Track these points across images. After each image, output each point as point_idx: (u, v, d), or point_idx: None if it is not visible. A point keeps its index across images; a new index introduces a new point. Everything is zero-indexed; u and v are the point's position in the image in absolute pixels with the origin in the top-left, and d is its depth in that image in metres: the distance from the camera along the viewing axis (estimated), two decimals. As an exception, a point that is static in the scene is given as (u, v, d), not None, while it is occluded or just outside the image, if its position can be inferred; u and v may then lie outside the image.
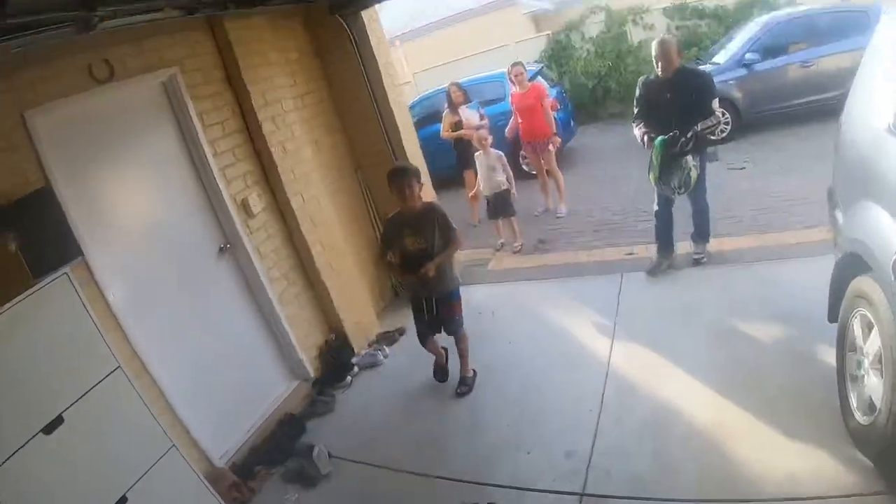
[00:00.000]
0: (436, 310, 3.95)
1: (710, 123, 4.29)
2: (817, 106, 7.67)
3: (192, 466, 3.28)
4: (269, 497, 3.76)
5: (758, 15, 10.08)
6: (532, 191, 7.45)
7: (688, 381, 3.55)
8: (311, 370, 4.68)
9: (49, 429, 2.68)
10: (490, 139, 6.04)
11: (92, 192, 3.47)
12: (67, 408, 2.76)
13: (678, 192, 4.49)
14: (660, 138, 4.32)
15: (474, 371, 4.18)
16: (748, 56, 8.34)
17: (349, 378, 4.65)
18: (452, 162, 7.35)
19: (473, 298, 5.14)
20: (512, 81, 7.11)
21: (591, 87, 11.80)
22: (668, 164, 4.37)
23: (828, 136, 3.50)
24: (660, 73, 4.38)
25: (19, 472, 2.56)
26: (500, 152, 6.01)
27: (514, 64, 7.09)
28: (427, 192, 5.31)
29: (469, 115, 7.01)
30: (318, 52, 5.28)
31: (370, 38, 5.11)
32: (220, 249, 4.18)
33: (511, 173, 6.06)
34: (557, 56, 12.51)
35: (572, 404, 3.66)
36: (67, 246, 3.08)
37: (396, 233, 3.77)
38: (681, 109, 4.25)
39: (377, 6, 5.21)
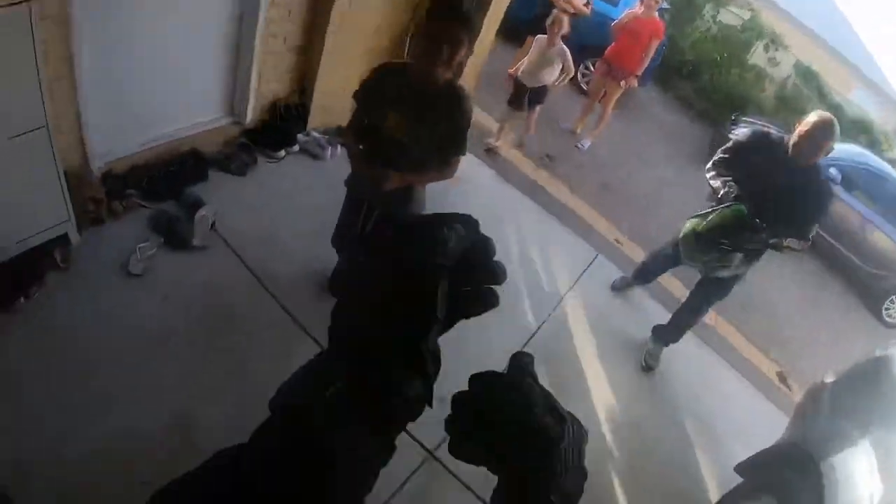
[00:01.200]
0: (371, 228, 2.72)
1: (796, 246, 3.17)
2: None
3: (54, 154, 2.52)
4: (123, 231, 3.09)
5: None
6: (572, 104, 6.57)
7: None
8: (250, 117, 3.84)
9: None
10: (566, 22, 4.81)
11: None
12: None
13: (700, 271, 3.49)
14: (743, 206, 3.06)
15: None
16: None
17: (283, 152, 3.89)
18: (530, 15, 6.03)
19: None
20: (641, 2, 5.93)
21: (686, 60, 10.45)
22: (719, 238, 3.16)
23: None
24: (791, 150, 3.07)
25: None
26: (566, 48, 4.90)
27: None
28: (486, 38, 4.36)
29: None
30: None
31: None
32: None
33: (571, 67, 5.04)
34: (681, 9, 10.85)
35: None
36: None
37: (383, 100, 2.31)
38: (784, 207, 3.03)
39: None
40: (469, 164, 4.46)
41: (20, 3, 2.04)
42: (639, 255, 4.44)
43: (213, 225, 3.20)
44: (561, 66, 4.95)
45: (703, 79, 10.25)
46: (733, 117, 8.13)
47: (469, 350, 2.91)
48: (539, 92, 5.10)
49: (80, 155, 3.03)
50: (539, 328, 3.53)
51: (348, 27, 3.76)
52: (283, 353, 2.75)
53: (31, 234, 2.65)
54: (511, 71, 5.21)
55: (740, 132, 3.77)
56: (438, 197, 3.71)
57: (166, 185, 3.28)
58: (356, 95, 2.43)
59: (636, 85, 6.16)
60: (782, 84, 10.70)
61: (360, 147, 2.46)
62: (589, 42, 6.76)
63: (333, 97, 3.97)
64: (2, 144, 2.27)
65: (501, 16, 4.59)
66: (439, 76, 2.15)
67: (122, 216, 3.13)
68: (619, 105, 6.52)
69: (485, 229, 0.59)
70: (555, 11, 4.86)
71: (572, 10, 5.63)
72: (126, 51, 2.97)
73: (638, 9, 5.85)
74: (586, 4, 6.02)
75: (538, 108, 5.29)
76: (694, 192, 5.34)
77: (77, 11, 2.55)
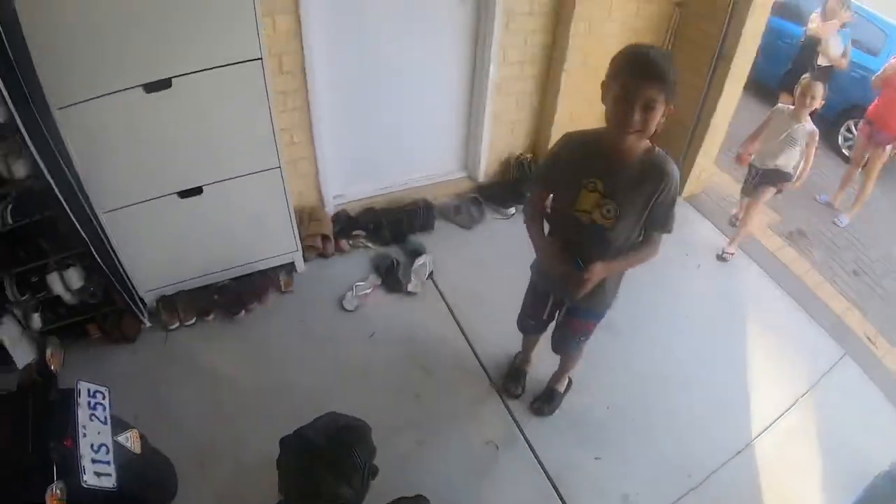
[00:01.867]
0: (560, 318, 2.41)
1: None
2: None
3: (286, 192, 2.84)
4: (346, 267, 3.32)
5: None
6: (829, 173, 5.73)
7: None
8: (483, 173, 3.89)
9: (152, 87, 2.23)
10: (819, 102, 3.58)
11: None
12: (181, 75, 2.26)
13: None
14: None
15: (569, 384, 2.85)
16: None
17: (513, 209, 3.80)
18: (780, 71, 5.54)
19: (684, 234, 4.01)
20: None
21: None
22: None
23: None
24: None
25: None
26: (815, 128, 3.63)
27: None
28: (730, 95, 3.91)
29: (833, 40, 5.19)
30: None
31: None
32: (464, -1, 3.17)
33: (811, 157, 3.73)
34: None
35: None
36: None
37: (573, 171, 1.89)
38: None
39: None
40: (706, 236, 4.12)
41: (253, 60, 2.32)
42: (894, 363, 3.66)
43: (430, 274, 3.26)
44: (810, 144, 3.66)
45: None
46: None
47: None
48: (772, 175, 3.81)
49: (316, 196, 3.34)
50: (758, 437, 3.00)
51: (589, 55, 3.62)
52: (470, 413, 2.71)
53: (262, 258, 3.02)
54: (741, 151, 3.94)
55: None
56: (662, 275, 3.51)
57: (393, 230, 3.43)
58: (538, 176, 2.20)
59: None
60: None
61: (550, 238, 2.06)
62: (848, 100, 5.95)
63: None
64: (242, 180, 2.62)
65: (747, 71, 3.96)
66: (637, 141, 1.75)
67: (348, 254, 3.35)
68: (884, 174, 5.56)
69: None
70: (806, 77, 3.64)
71: (826, 62, 4.98)
72: (363, 102, 3.22)
73: None
74: (843, 55, 5.19)
75: (770, 191, 3.89)
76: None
77: (316, 67, 2.87)
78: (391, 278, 3.19)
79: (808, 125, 3.62)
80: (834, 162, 6.00)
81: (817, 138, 3.66)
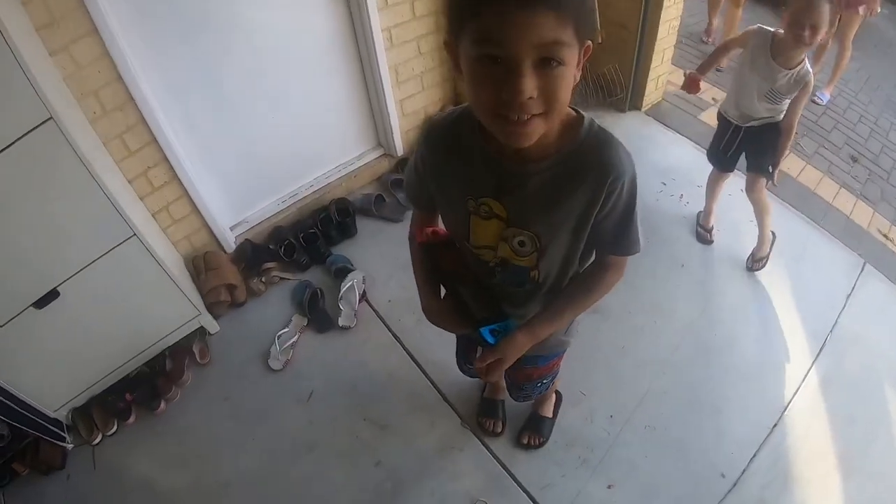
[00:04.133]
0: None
1: None
2: None
3: (154, 257, 2.21)
4: (264, 312, 2.71)
5: None
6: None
7: None
8: (401, 148, 3.22)
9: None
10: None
11: None
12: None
13: None
14: None
15: (558, 400, 2.28)
16: None
17: None
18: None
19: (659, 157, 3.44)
20: None
21: None
22: None
23: None
24: None
25: None
26: (810, 72, 2.27)
27: None
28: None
29: None
30: None
31: None
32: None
33: (800, 111, 2.40)
34: None
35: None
36: None
37: (450, 188, 1.12)
38: None
39: None
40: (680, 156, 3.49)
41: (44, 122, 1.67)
42: None
43: (363, 295, 2.64)
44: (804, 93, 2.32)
45: None
46: None
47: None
48: (758, 136, 2.53)
49: (208, 235, 2.71)
50: (790, 402, 2.48)
51: None
52: (445, 468, 2.17)
53: (166, 334, 2.47)
54: (694, 74, 2.64)
55: None
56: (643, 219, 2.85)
57: (308, 250, 2.80)
58: (406, 192, 1.31)
59: (877, 10, 4.55)
60: None
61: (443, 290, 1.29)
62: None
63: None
64: (98, 264, 2.05)
65: None
66: (540, 129, 0.87)
67: (264, 294, 2.73)
68: (856, 40, 4.95)
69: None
70: None
71: None
72: (229, 105, 2.53)
73: None
74: None
75: (761, 182, 2.64)
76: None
77: (147, 89, 2.20)
78: (318, 314, 2.58)
79: (804, 68, 2.28)
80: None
81: (812, 84, 2.32)
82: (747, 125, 2.51)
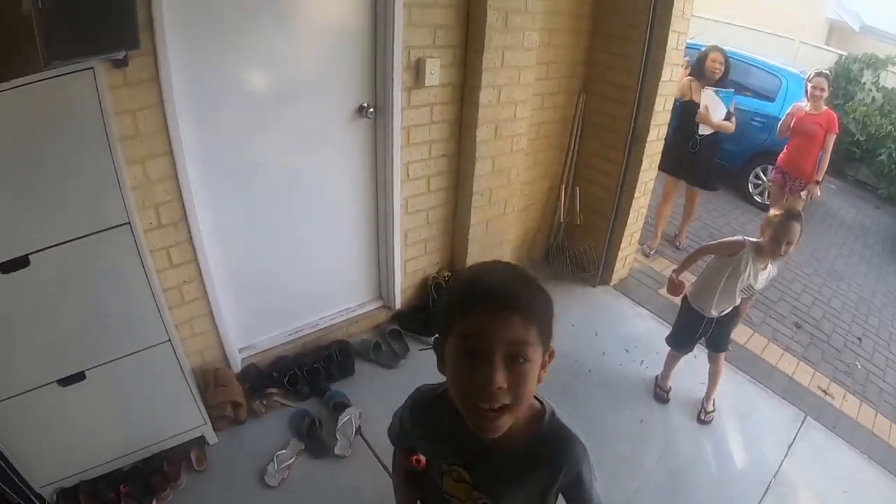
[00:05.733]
0: None
1: None
2: None
3: (180, 363, 2.48)
4: (263, 432, 2.90)
5: None
6: (746, 223, 5.77)
7: None
8: (399, 303, 3.62)
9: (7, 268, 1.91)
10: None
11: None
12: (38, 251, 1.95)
13: None
14: None
15: None
16: None
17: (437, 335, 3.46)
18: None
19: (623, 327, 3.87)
20: (806, 95, 5.06)
21: (855, 141, 9.22)
22: None
23: None
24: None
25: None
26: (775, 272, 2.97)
27: (819, 74, 4.99)
28: (647, 177, 3.98)
29: (715, 104, 4.63)
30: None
31: None
32: (360, 109, 2.99)
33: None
34: (838, 84, 9.75)
35: None
36: (117, 26, 1.92)
37: (427, 449, 1.31)
38: None
39: None
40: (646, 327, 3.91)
41: (122, 225, 2.04)
42: (853, 409, 3.59)
43: (358, 429, 2.92)
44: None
45: (880, 158, 9.08)
46: None
47: None
48: (725, 327, 3.11)
49: (220, 353, 3.00)
50: None
51: (498, 170, 3.51)
52: None
53: (168, 437, 2.63)
54: (676, 277, 3.13)
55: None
56: (606, 378, 3.34)
57: (310, 382, 3.10)
58: (391, 436, 1.53)
59: (818, 193, 5.12)
60: None
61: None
62: (753, 148, 6.11)
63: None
64: (128, 360, 2.29)
65: (660, 150, 4.06)
66: (508, 421, 1.05)
67: (264, 415, 2.97)
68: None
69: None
70: (776, 214, 2.75)
71: (709, 129, 4.64)
72: (260, 242, 2.95)
73: (804, 103, 5.08)
74: (728, 118, 4.66)
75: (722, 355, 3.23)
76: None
77: (201, 213, 2.58)
78: (315, 441, 2.83)
79: (774, 269, 2.93)
80: (748, 211, 6.11)
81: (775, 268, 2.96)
82: (720, 315, 3.00)
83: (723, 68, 4.63)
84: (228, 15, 2.39)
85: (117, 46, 1.96)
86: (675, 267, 3.22)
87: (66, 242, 1.98)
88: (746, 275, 2.81)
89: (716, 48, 4.69)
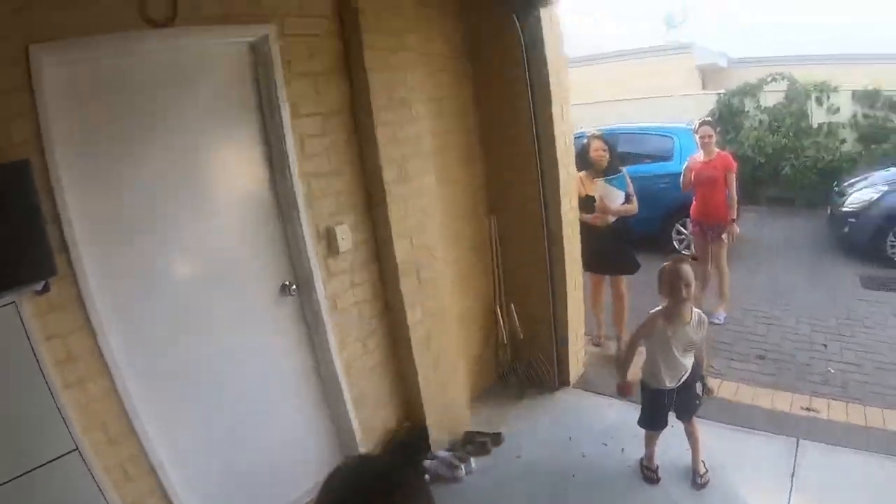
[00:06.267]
0: None
1: None
2: None
3: None
4: None
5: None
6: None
7: None
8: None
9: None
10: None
11: (104, 180, 2.39)
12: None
13: None
14: None
15: None
16: None
17: None
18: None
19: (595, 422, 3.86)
20: (698, 145, 5.46)
21: (757, 165, 10.02)
22: None
23: None
24: None
25: None
26: (702, 314, 3.05)
27: (703, 122, 5.42)
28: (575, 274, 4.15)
29: (609, 192, 4.55)
30: (471, 51, 3.99)
31: (546, 46, 3.74)
32: (283, 288, 3.06)
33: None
34: (725, 120, 10.72)
35: None
36: (32, 257, 2.00)
37: None
38: None
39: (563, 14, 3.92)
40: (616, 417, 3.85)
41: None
42: (840, 414, 3.62)
43: None
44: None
45: (786, 172, 9.87)
46: (836, 189, 7.77)
47: None
48: (689, 392, 3.13)
49: None
50: None
51: (430, 314, 3.55)
52: None
53: None
54: (622, 382, 3.23)
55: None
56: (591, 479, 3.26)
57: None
58: None
59: (737, 231, 5.37)
60: (853, 124, 9.89)
61: None
62: (667, 207, 6.44)
63: (445, 404, 3.70)
64: None
65: (579, 248, 4.28)
66: None
67: None
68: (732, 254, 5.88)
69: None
70: (668, 264, 2.94)
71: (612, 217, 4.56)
72: (211, 433, 2.84)
73: (698, 153, 5.43)
74: (628, 201, 4.60)
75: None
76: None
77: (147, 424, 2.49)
78: None
79: (696, 314, 2.99)
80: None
81: (705, 318, 3.04)
82: (679, 383, 3.03)
83: (607, 154, 4.59)
84: (140, 216, 2.48)
85: (35, 277, 2.03)
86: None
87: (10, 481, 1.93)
88: (676, 337, 2.90)
89: (595, 136, 4.72)
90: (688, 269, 2.82)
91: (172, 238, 2.62)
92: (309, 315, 3.15)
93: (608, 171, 4.56)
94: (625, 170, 4.70)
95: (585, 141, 4.70)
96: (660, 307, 2.97)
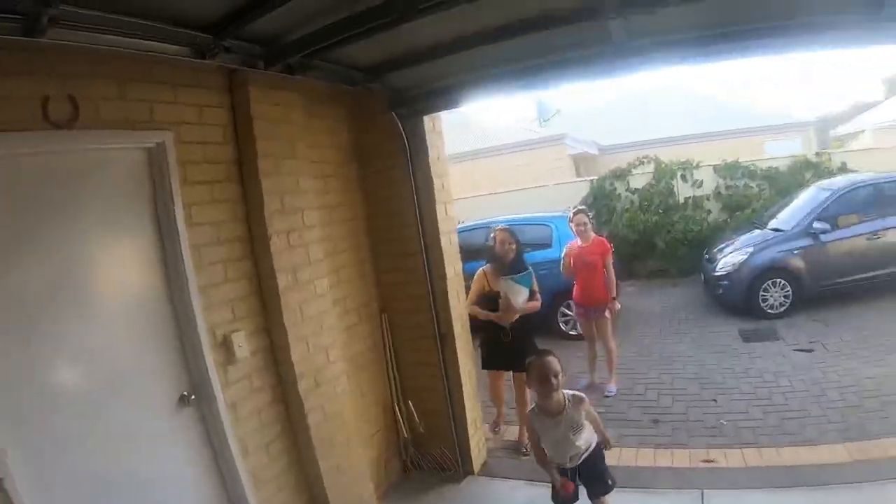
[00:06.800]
0: None
1: None
2: (883, 281, 7.41)
3: None
4: None
5: (813, 180, 9.85)
6: (570, 356, 6.20)
7: None
8: None
9: None
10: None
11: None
12: None
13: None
14: None
15: None
16: (816, 225, 7.61)
17: None
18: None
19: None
20: (573, 232, 5.92)
21: (632, 242, 10.98)
22: None
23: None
24: None
25: None
26: (578, 392, 3.12)
27: (578, 211, 5.95)
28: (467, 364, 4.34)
29: (514, 290, 4.49)
30: (359, 156, 4.25)
31: (429, 150, 4.07)
32: (181, 399, 2.97)
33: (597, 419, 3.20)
34: (599, 204, 11.73)
35: None
36: None
37: None
38: None
39: (444, 113, 4.24)
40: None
41: None
42: (738, 460, 3.91)
43: None
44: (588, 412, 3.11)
45: (659, 246, 10.95)
46: (707, 256, 8.71)
47: None
48: (596, 467, 3.18)
49: None
50: None
51: (331, 415, 3.54)
52: None
53: None
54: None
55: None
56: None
57: None
58: None
59: (618, 308, 5.82)
60: (717, 195, 11.17)
61: None
62: (550, 291, 6.75)
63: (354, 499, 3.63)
64: None
65: (469, 339, 4.45)
66: None
67: None
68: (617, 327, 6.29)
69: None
70: (533, 359, 3.05)
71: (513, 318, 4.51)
72: None
73: (575, 240, 5.88)
74: (532, 297, 4.62)
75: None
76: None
77: None
78: None
79: (569, 392, 3.05)
80: (566, 347, 6.55)
81: (586, 401, 3.08)
82: (581, 461, 3.07)
83: (514, 247, 4.55)
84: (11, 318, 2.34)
85: None
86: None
87: None
88: (555, 426, 2.99)
89: (502, 229, 4.66)
90: (553, 361, 2.94)
91: (64, 342, 2.49)
92: (210, 426, 3.04)
93: (515, 266, 4.54)
94: (530, 267, 4.68)
95: (493, 234, 4.71)
96: (533, 404, 3.11)
